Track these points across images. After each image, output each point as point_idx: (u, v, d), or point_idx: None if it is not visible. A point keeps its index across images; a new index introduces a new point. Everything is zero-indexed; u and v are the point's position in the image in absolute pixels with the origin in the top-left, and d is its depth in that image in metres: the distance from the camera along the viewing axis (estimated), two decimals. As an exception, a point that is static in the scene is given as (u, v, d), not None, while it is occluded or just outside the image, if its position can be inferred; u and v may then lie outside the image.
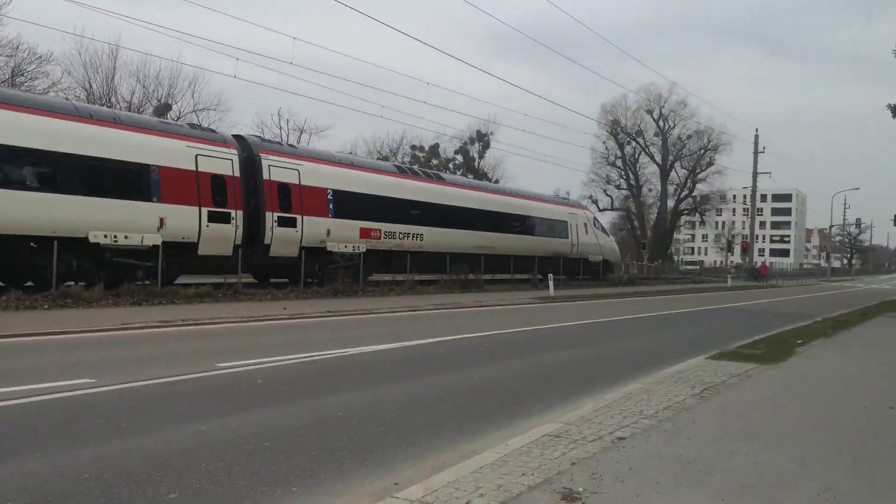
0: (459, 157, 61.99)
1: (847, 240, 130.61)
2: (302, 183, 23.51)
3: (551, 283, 30.05)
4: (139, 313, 15.16)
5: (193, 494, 4.53)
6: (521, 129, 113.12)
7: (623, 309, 23.02)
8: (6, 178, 16.41)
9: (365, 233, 26.10)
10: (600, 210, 68.53)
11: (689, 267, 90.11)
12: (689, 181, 74.12)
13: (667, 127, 72.06)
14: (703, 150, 72.28)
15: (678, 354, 11.52)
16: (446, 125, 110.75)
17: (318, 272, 24.75)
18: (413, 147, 59.99)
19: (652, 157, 73.95)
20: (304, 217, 23.44)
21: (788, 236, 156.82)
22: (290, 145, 29.23)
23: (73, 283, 17.94)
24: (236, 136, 23.77)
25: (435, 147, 60.49)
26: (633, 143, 73.48)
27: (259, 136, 27.57)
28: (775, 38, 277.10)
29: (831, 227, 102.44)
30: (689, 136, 72.13)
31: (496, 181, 57.48)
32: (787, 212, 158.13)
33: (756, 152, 61.59)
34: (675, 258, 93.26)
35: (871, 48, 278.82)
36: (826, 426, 6.50)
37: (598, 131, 72.14)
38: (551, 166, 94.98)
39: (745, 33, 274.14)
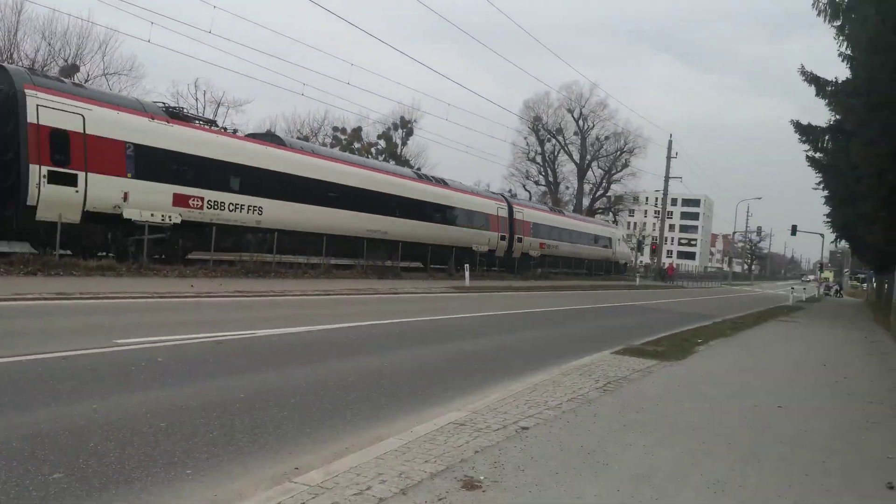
0: (382, 143, 61.45)
1: (748, 246, 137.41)
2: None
3: (467, 274, 30.31)
4: (33, 284, 14.33)
5: (79, 475, 4.30)
6: (444, 118, 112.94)
7: (536, 302, 23.44)
8: None
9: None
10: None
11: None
12: (604, 181, 76.37)
13: (586, 127, 73.86)
14: (619, 152, 74.60)
15: (586, 348, 11.79)
16: (370, 109, 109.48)
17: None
18: (335, 129, 59.02)
19: (570, 156, 75.71)
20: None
21: (695, 240, 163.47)
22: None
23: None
24: None
25: (358, 130, 59.70)
26: (554, 141, 74.96)
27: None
28: (688, 47, 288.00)
29: (734, 233, 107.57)
30: (607, 138, 74.33)
31: (419, 169, 57.37)
32: (695, 216, 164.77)
33: (669, 157, 63.75)
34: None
35: (776, 65, 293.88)
36: (718, 422, 6.78)
37: (520, 126, 73.33)
38: (473, 158, 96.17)
39: (661, 41, 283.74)
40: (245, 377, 7.51)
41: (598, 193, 76.85)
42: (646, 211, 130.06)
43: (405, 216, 32.00)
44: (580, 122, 73.65)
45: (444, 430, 5.65)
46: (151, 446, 4.95)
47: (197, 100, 49.05)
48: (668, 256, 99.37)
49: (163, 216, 20.90)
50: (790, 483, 4.94)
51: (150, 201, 20.46)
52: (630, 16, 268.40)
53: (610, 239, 60.26)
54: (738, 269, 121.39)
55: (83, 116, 18.93)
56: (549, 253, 46.80)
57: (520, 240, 42.62)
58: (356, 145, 58.58)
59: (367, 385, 7.63)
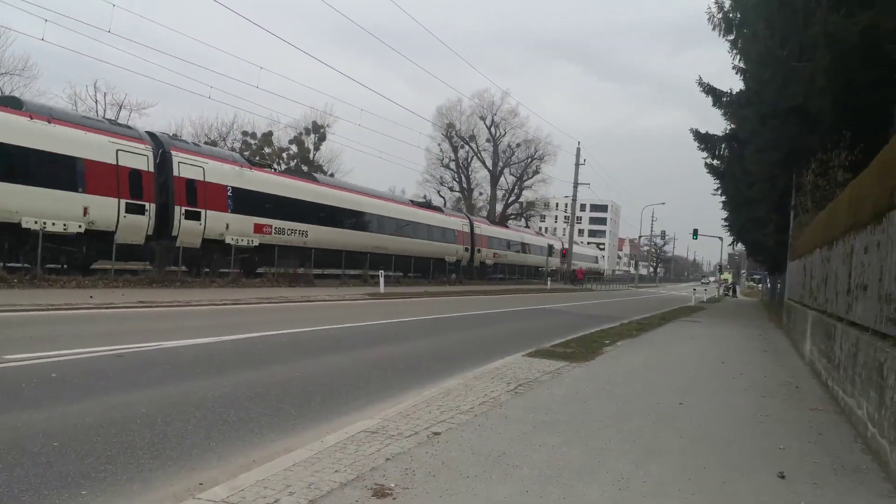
0: (294, 148, 60.41)
1: (653, 250, 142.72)
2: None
3: (381, 280, 30.19)
4: None
5: (-41, 502, 4.01)
6: (357, 123, 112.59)
7: (450, 307, 23.57)
8: None
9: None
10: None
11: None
12: (516, 187, 77.86)
13: (498, 134, 75.08)
14: (530, 159, 76.25)
15: (498, 351, 11.95)
16: (281, 113, 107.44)
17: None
18: (245, 133, 57.50)
19: (483, 163, 76.81)
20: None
21: (603, 244, 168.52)
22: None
23: None
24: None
25: (268, 135, 58.41)
26: (467, 148, 75.84)
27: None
28: (596, 58, 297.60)
29: (640, 237, 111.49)
30: (518, 145, 75.80)
31: (331, 174, 56.75)
32: (603, 221, 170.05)
33: (577, 164, 65.57)
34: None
35: (678, 76, 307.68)
36: (624, 420, 6.99)
37: (433, 133, 73.72)
38: (388, 163, 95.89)
39: (571, 51, 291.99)
40: (147, 391, 7.21)
41: (511, 199, 78.29)
42: (556, 216, 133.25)
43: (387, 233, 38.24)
44: (492, 130, 74.83)
45: (355, 439, 5.59)
46: (43, 467, 4.67)
47: (97, 102, 47.01)
48: (577, 260, 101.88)
49: (248, 240, 27.68)
50: (689, 476, 5.14)
51: (241, 229, 27.17)
52: (540, 26, 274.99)
53: (541, 247, 65.21)
54: (643, 271, 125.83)
55: (203, 168, 25.63)
56: (500, 261, 55.43)
57: (479, 251, 50.86)
58: (267, 150, 57.35)
59: (276, 396, 7.46)
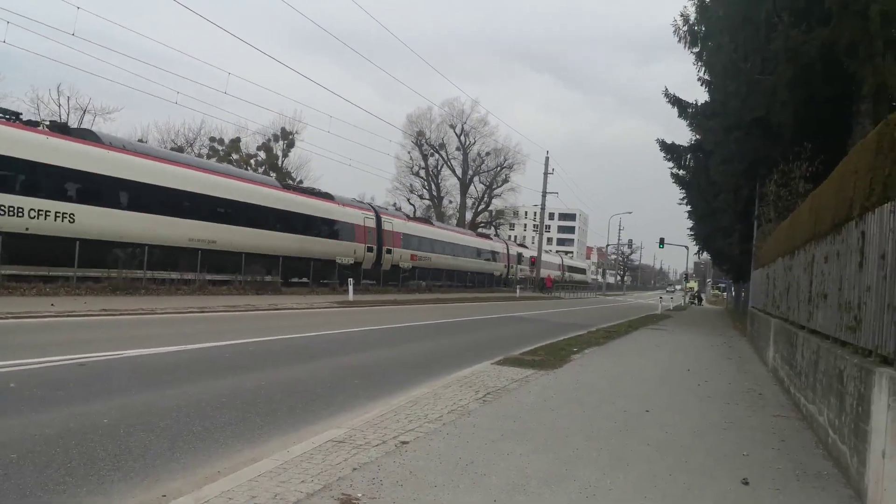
0: (262, 154, 59.95)
1: (620, 258, 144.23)
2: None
3: (350, 289, 30.03)
4: None
5: None
6: (327, 130, 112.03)
7: (420, 315, 23.53)
8: None
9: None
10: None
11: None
12: (486, 196, 78.22)
13: (468, 142, 75.50)
14: (499, 168, 76.74)
15: (467, 359, 11.95)
16: (249, 119, 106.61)
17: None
18: (212, 139, 56.92)
19: (453, 171, 77.05)
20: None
21: (571, 252, 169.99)
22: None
23: None
24: None
25: (236, 141, 57.90)
26: (437, 156, 76.04)
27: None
28: (564, 68, 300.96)
29: (608, 245, 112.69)
30: (488, 153, 76.24)
31: (300, 181, 56.42)
32: (571, 230, 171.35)
33: (546, 173, 65.98)
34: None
35: (645, 87, 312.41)
36: (591, 428, 7.04)
37: (403, 141, 73.81)
38: (358, 171, 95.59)
39: (539, 61, 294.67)
40: (109, 401, 7.07)
41: (480, 208, 78.57)
42: (525, 224, 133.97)
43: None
44: (462, 138, 75.22)
45: (322, 449, 5.54)
46: (0, 480, 4.55)
47: (60, 106, 46.14)
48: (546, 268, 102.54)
49: (408, 264, 42.50)
50: (655, 483, 5.19)
51: (405, 258, 43.24)
52: (509, 35, 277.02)
53: (496, 253, 62.76)
54: (611, 279, 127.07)
55: (392, 224, 42.29)
56: (421, 265, 46.20)
57: (389, 251, 41.86)
58: (234, 156, 56.83)
59: (242, 405, 7.37)
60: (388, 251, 41.82)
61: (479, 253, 58.36)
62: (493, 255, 62.82)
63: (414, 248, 45.31)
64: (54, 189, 21.35)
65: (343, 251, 37.05)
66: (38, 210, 20.49)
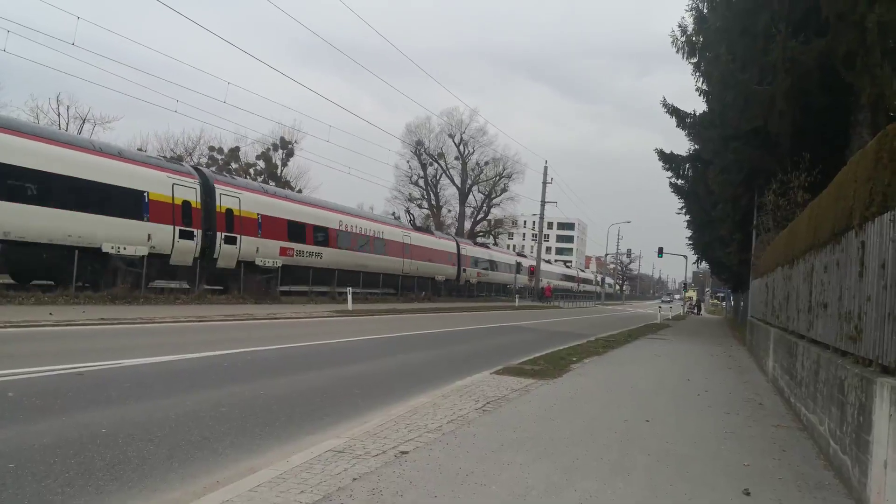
0: (261, 163, 59.99)
1: (619, 267, 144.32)
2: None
3: (349, 298, 30.00)
4: None
5: None
6: (326, 139, 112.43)
7: (419, 324, 23.49)
8: None
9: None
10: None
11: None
12: (484, 205, 78.33)
13: (467, 152, 75.66)
14: (498, 177, 76.83)
15: (467, 369, 11.93)
16: (248, 128, 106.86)
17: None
18: (212, 148, 56.97)
19: (452, 180, 77.15)
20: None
21: (570, 262, 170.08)
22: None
23: None
24: None
25: (235, 150, 57.95)
26: (436, 165, 76.15)
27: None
28: (562, 78, 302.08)
29: (607, 255, 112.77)
30: (487, 163, 76.45)
31: (299, 190, 56.45)
32: (570, 239, 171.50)
33: (545, 182, 66.16)
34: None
35: (644, 97, 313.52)
36: (591, 437, 7.02)
37: (402, 150, 74.03)
38: (356, 180, 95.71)
39: (537, 71, 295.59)
40: (108, 410, 7.03)
41: (479, 217, 78.62)
42: (524, 234, 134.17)
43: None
44: (461, 148, 75.38)
45: (321, 459, 5.52)
46: (-4, 491, 4.52)
47: (59, 115, 46.19)
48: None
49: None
50: (656, 493, 5.16)
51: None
52: (508, 46, 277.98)
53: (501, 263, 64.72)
54: (609, 289, 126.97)
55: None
56: (481, 280, 54.41)
57: (464, 270, 51.17)
58: (234, 165, 56.87)
59: (241, 414, 7.34)
60: (464, 270, 52.33)
61: (477, 262, 58.90)
62: (497, 265, 63.52)
63: (479, 267, 54.43)
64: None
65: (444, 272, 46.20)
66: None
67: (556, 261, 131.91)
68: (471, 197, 77.80)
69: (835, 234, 6.80)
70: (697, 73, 22.09)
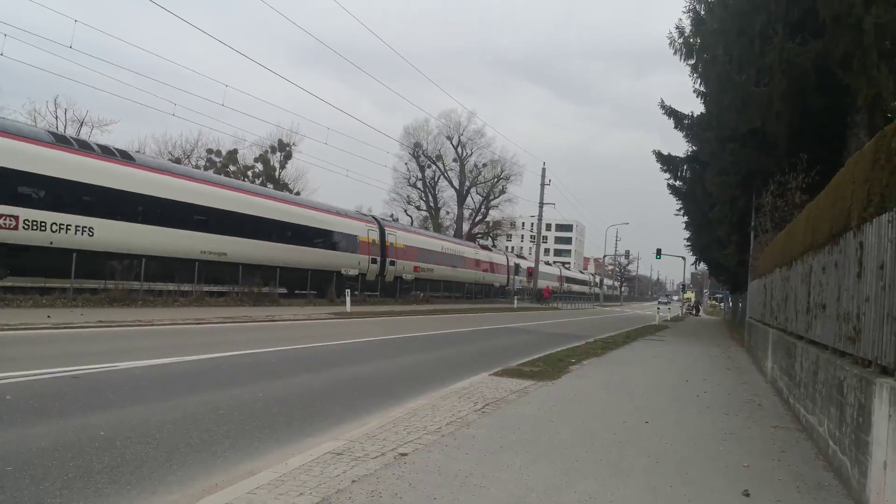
0: (259, 166, 59.99)
1: (618, 269, 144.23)
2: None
3: (348, 300, 29.99)
4: None
5: None
6: (324, 142, 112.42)
7: (418, 326, 23.48)
8: None
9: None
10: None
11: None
12: (483, 207, 78.36)
13: (465, 154, 75.66)
14: (496, 179, 76.85)
15: (465, 370, 11.92)
16: (246, 131, 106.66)
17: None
18: (209, 151, 56.97)
19: (450, 182, 77.18)
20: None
21: (569, 263, 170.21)
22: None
23: None
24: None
25: (233, 153, 57.94)
26: (434, 167, 76.09)
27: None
28: (559, 80, 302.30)
29: (605, 256, 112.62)
30: (485, 165, 76.44)
31: (297, 193, 56.44)
32: (569, 241, 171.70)
33: (543, 184, 66.18)
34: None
35: (642, 99, 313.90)
36: (591, 439, 7.01)
37: (400, 152, 73.96)
38: (355, 182, 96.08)
39: (535, 73, 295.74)
40: (105, 413, 7.02)
41: (478, 219, 78.65)
42: (522, 235, 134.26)
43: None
44: (459, 150, 75.40)
45: (320, 461, 5.51)
46: (-6, 494, 4.51)
47: (57, 118, 46.13)
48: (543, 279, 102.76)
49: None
50: (655, 495, 5.16)
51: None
52: (505, 47, 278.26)
53: (498, 265, 64.52)
54: (608, 290, 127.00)
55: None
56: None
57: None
58: (231, 168, 56.85)
59: (239, 417, 7.33)
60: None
61: (479, 264, 58.91)
62: (495, 267, 63.39)
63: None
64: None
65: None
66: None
67: (554, 262, 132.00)
68: (469, 199, 77.87)
69: (833, 235, 6.81)
70: (695, 75, 22.12)
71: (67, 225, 21.43)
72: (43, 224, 20.62)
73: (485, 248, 66.68)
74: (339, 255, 37.02)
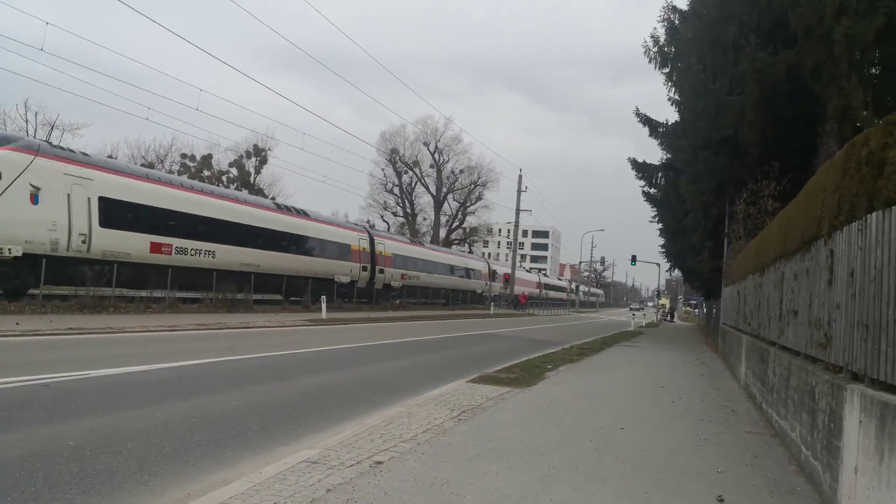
0: (234, 171, 59.44)
1: (593, 275, 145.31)
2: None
3: (324, 306, 29.79)
4: None
5: None
6: (300, 147, 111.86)
7: (393, 333, 23.39)
8: None
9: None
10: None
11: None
12: (459, 213, 78.51)
13: (442, 160, 75.76)
14: (473, 185, 77.09)
15: (442, 377, 11.89)
16: (221, 136, 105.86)
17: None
18: (184, 155, 56.32)
19: (427, 188, 77.20)
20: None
21: (545, 269, 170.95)
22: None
23: None
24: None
25: (208, 158, 57.35)
26: (411, 173, 76.09)
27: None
28: (537, 87, 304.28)
29: (581, 262, 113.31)
30: (462, 171, 76.64)
31: (273, 198, 56.05)
32: (545, 247, 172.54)
33: (519, 191, 66.45)
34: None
35: (618, 106, 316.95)
36: (566, 445, 7.02)
37: (377, 158, 73.78)
38: (331, 188, 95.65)
39: (513, 79, 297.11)
40: (75, 422, 6.89)
41: (455, 225, 78.77)
42: (499, 242, 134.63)
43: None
44: (436, 156, 75.46)
45: (295, 470, 5.45)
46: (-42, 506, 4.40)
47: (27, 121, 45.36)
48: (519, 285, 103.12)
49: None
50: (631, 501, 5.18)
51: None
52: (483, 54, 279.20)
53: (476, 271, 64.24)
54: (584, 297, 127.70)
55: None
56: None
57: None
58: (206, 173, 56.26)
59: (212, 426, 7.23)
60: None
61: (454, 270, 59.17)
62: (473, 273, 63.80)
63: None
64: None
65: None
66: None
67: (531, 269, 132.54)
68: (446, 205, 77.94)
69: (804, 242, 6.90)
70: (670, 84, 22.39)
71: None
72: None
73: (464, 254, 66.85)
74: (333, 264, 38.43)
